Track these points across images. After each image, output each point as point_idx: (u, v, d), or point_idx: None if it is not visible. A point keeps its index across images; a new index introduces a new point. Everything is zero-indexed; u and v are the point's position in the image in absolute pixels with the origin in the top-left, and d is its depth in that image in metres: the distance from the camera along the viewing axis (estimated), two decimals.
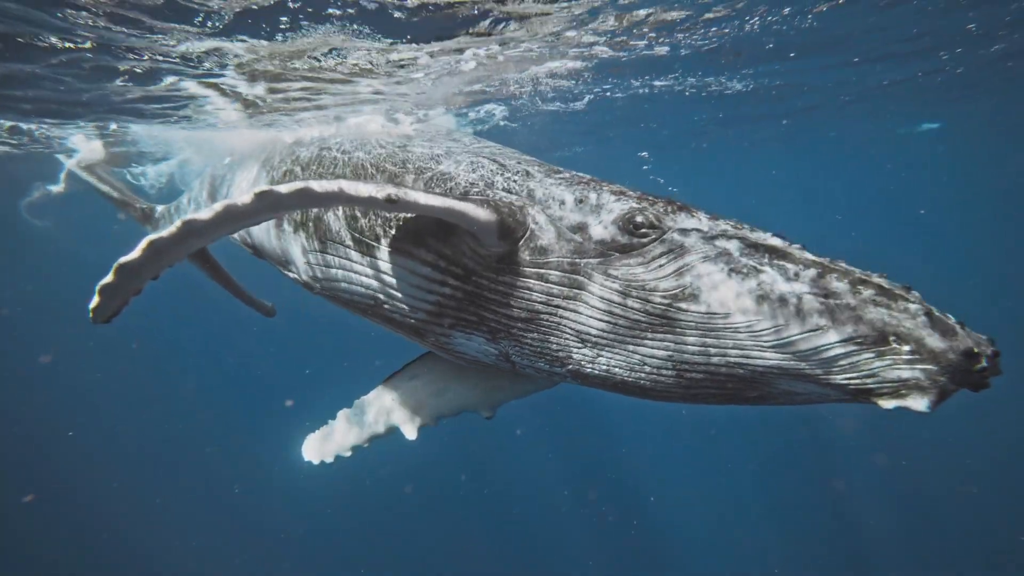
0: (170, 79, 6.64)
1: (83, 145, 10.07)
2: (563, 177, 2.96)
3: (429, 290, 2.95)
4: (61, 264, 31.82)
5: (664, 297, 2.49)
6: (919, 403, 2.16)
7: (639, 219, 2.61)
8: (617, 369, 2.66)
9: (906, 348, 2.15)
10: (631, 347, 2.59)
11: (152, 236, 2.54)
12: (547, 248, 2.71)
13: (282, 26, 5.17)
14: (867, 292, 2.26)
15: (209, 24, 5.01)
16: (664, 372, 2.56)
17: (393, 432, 3.64)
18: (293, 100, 7.78)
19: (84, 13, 4.66)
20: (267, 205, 2.54)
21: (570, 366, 2.78)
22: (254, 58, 6.04)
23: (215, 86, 6.91)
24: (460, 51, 6.63)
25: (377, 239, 3.08)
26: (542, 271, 2.70)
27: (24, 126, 8.99)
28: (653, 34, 7.60)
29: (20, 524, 21.24)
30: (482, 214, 2.65)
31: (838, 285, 2.29)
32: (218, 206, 2.50)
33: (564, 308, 2.68)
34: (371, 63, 6.54)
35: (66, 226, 24.00)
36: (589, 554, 21.10)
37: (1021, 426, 21.20)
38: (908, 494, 20.73)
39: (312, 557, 21.63)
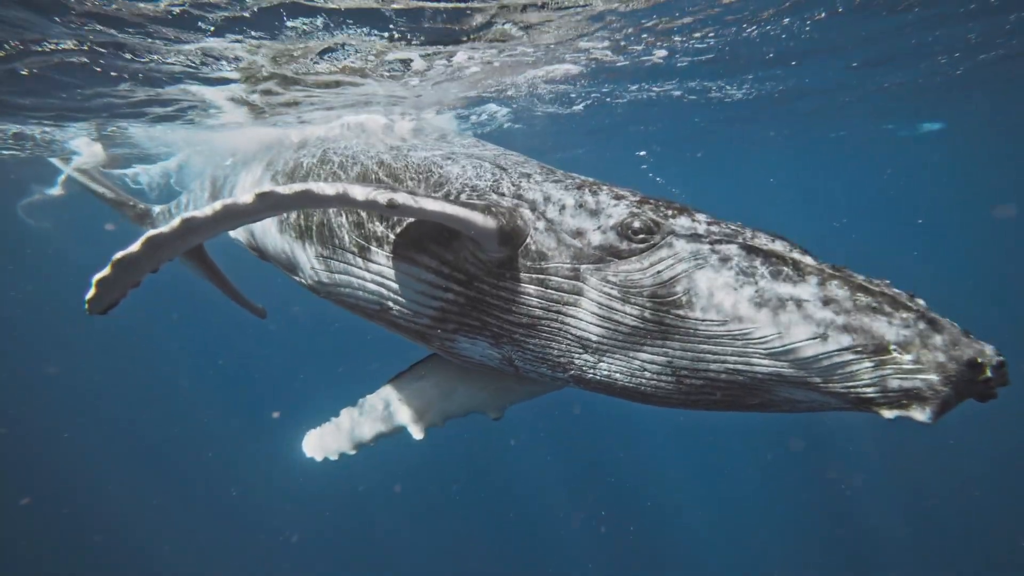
0: (175, 81, 6.66)
1: (85, 148, 10.07)
2: (564, 180, 2.95)
3: (432, 296, 2.96)
4: (58, 265, 31.80)
5: (662, 303, 2.47)
6: (920, 414, 2.13)
7: (637, 224, 2.59)
8: (618, 375, 2.65)
9: (907, 357, 2.12)
10: (631, 353, 2.58)
11: (151, 232, 2.56)
12: (547, 253, 2.70)
13: (285, 26, 5.15)
14: (868, 299, 2.22)
15: (213, 26, 4.99)
16: (664, 378, 2.55)
17: (400, 431, 3.64)
18: (294, 103, 7.79)
19: (89, 17, 4.64)
20: (268, 205, 2.57)
21: (572, 372, 2.78)
22: (258, 60, 6.03)
23: (219, 88, 6.91)
24: (460, 54, 6.62)
25: (380, 245, 3.08)
26: (542, 276, 2.70)
27: (28, 131, 8.99)
28: (652, 38, 7.58)
29: (17, 526, 21.19)
30: (482, 220, 2.64)
31: (838, 292, 2.26)
32: (218, 204, 2.53)
33: (564, 314, 2.68)
34: (372, 64, 6.53)
35: (65, 227, 24.00)
36: (588, 556, 21.06)
37: (1021, 427, 21.17)
38: (908, 495, 20.71)
39: (311, 560, 21.58)
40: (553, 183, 2.92)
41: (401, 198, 2.56)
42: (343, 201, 2.59)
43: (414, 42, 5.96)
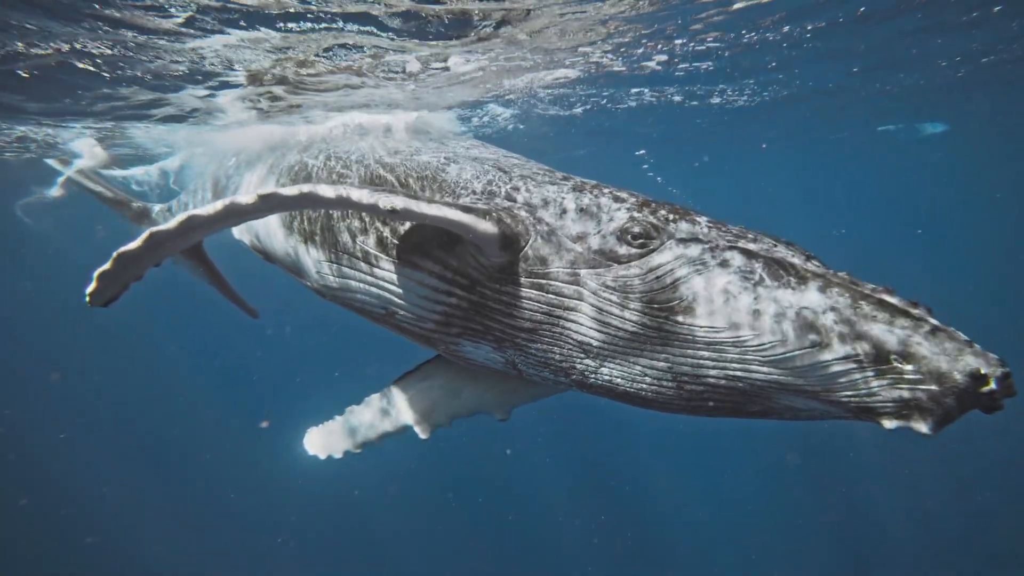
0: (181, 85, 6.69)
1: (86, 149, 10.06)
2: (566, 184, 2.94)
3: (436, 300, 2.96)
4: (56, 265, 31.78)
5: (661, 309, 2.46)
6: (921, 425, 2.10)
7: (636, 229, 2.58)
8: (619, 380, 2.65)
9: (908, 367, 2.09)
10: (631, 358, 2.57)
11: (153, 228, 2.62)
12: (547, 258, 2.69)
13: (288, 24, 5.14)
14: (869, 307, 2.19)
15: (217, 24, 4.97)
16: (665, 384, 2.54)
17: (405, 431, 3.63)
18: (296, 106, 7.79)
19: (95, 21, 4.63)
20: (270, 206, 2.62)
21: (574, 376, 2.78)
22: (263, 63, 6.03)
23: (224, 90, 6.91)
24: (459, 57, 6.60)
25: (385, 251, 3.09)
26: (543, 281, 2.69)
27: (32, 132, 8.99)
28: (652, 43, 7.56)
29: (15, 526, 21.16)
30: (483, 226, 2.63)
31: (839, 300, 2.23)
32: (220, 203, 2.58)
33: (565, 319, 2.67)
34: (371, 66, 6.52)
35: (65, 227, 23.98)
36: (587, 559, 21.02)
37: (1022, 428, 21.15)
38: (908, 495, 20.69)
39: (310, 562, 21.53)
40: (554, 186, 2.92)
41: (401, 202, 2.57)
42: (344, 204, 2.60)
43: (414, 44, 5.95)
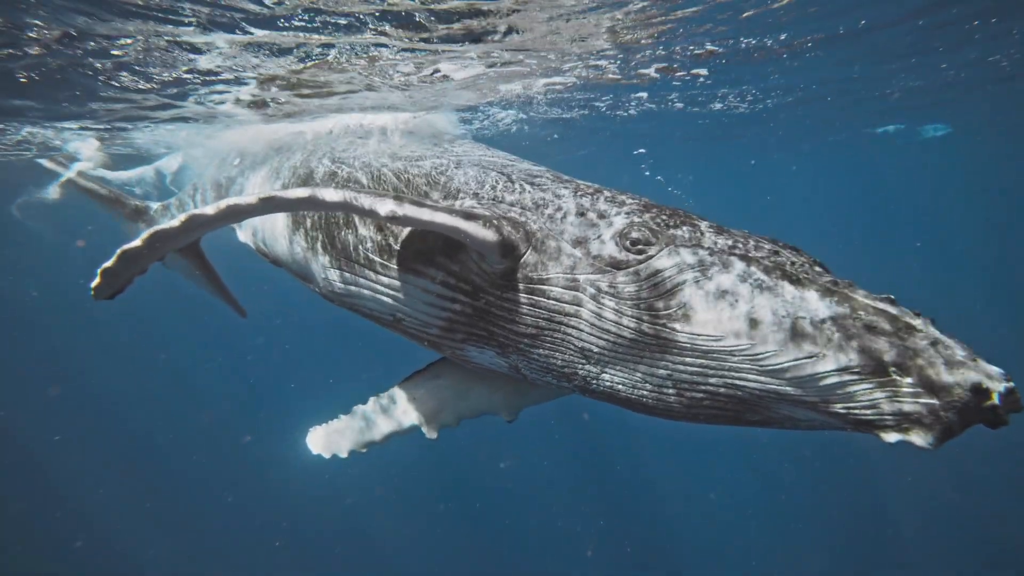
0: (189, 91, 6.68)
1: (85, 150, 10.03)
2: (567, 188, 2.94)
3: (441, 307, 2.98)
4: (55, 266, 31.72)
5: (659, 316, 2.43)
6: (921, 439, 2.06)
7: (635, 235, 2.56)
8: (620, 386, 2.64)
9: (907, 380, 2.04)
10: (631, 365, 2.56)
11: (156, 227, 2.73)
12: (547, 264, 2.69)
13: (293, 24, 5.12)
14: (868, 318, 2.15)
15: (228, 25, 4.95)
16: (665, 391, 2.53)
17: (413, 431, 3.62)
18: (300, 110, 7.80)
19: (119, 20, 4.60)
20: (270, 207, 2.69)
21: (576, 381, 2.78)
22: (268, 65, 6.01)
23: (231, 91, 6.90)
24: (459, 62, 6.59)
25: (390, 258, 3.11)
26: (544, 287, 2.69)
27: (33, 133, 8.97)
28: (650, 50, 7.53)
29: (9, 530, 21.10)
30: (483, 233, 2.63)
31: (838, 309, 2.19)
32: (223, 203, 2.67)
33: (566, 325, 2.67)
34: (372, 67, 6.50)
35: (64, 227, 23.94)
36: (587, 563, 20.96)
37: (1022, 428, 21.10)
38: (909, 495, 20.68)
39: (308, 565, 21.48)
40: (555, 190, 2.91)
41: (400, 208, 2.59)
42: (343, 208, 2.64)
43: (413, 46, 5.92)
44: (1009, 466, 19.63)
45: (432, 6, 4.91)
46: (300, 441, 3.74)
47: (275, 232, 4.05)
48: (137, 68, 5.73)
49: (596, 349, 2.60)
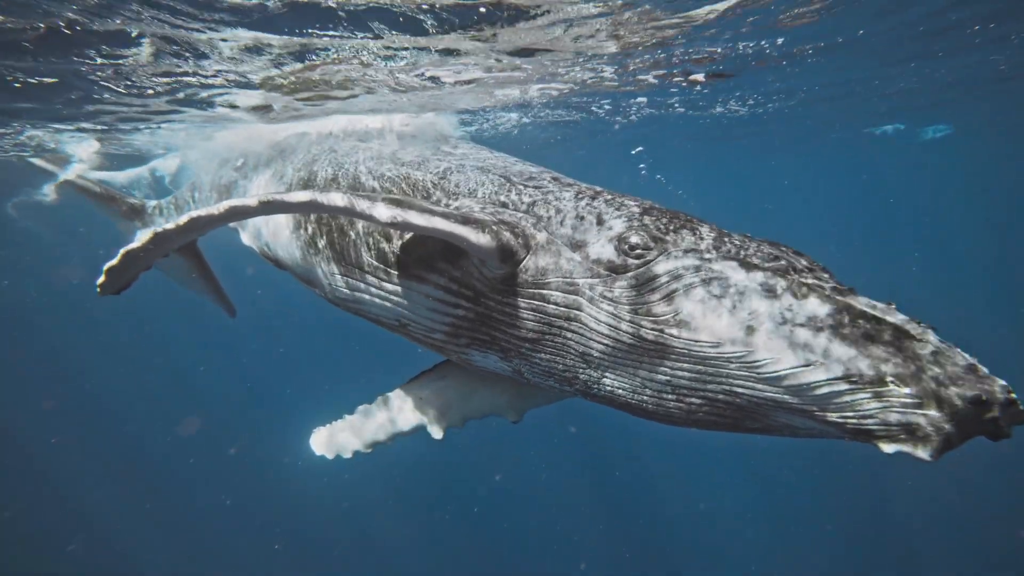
0: (194, 96, 6.66)
1: (83, 151, 10.01)
2: (567, 191, 2.91)
3: (444, 312, 2.99)
4: (52, 266, 31.69)
5: (657, 322, 2.41)
6: (920, 451, 2.02)
7: (634, 239, 2.53)
8: (620, 391, 2.62)
9: (905, 390, 2.00)
10: (631, 370, 2.54)
11: (158, 228, 2.81)
12: (547, 269, 2.68)
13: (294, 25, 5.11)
14: (867, 326, 2.10)
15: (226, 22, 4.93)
16: (665, 396, 2.51)
17: (418, 431, 3.61)
18: (301, 113, 7.78)
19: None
20: (271, 210, 2.74)
21: (578, 385, 2.78)
22: (272, 69, 6.00)
23: (236, 92, 6.88)
24: (461, 58, 6.57)
25: (393, 265, 3.11)
26: (544, 292, 2.68)
27: (33, 134, 8.95)
28: (649, 56, 7.51)
29: (6, 532, 21.06)
30: (481, 238, 2.62)
31: (836, 317, 2.15)
32: (224, 205, 2.73)
33: (567, 329, 2.66)
34: (371, 69, 6.49)
35: (62, 227, 23.91)
36: (587, 564, 20.93)
37: (1022, 430, 21.05)
38: (909, 495, 20.66)
39: (308, 569, 21.43)
40: (558, 193, 2.90)
41: (400, 213, 2.58)
42: (343, 212, 2.64)
43: (414, 47, 5.91)
44: (1009, 469, 19.60)
45: (432, 7, 4.90)
46: (300, 443, 3.72)
47: (279, 236, 4.04)
48: (137, 69, 5.71)
49: (596, 354, 2.59)
